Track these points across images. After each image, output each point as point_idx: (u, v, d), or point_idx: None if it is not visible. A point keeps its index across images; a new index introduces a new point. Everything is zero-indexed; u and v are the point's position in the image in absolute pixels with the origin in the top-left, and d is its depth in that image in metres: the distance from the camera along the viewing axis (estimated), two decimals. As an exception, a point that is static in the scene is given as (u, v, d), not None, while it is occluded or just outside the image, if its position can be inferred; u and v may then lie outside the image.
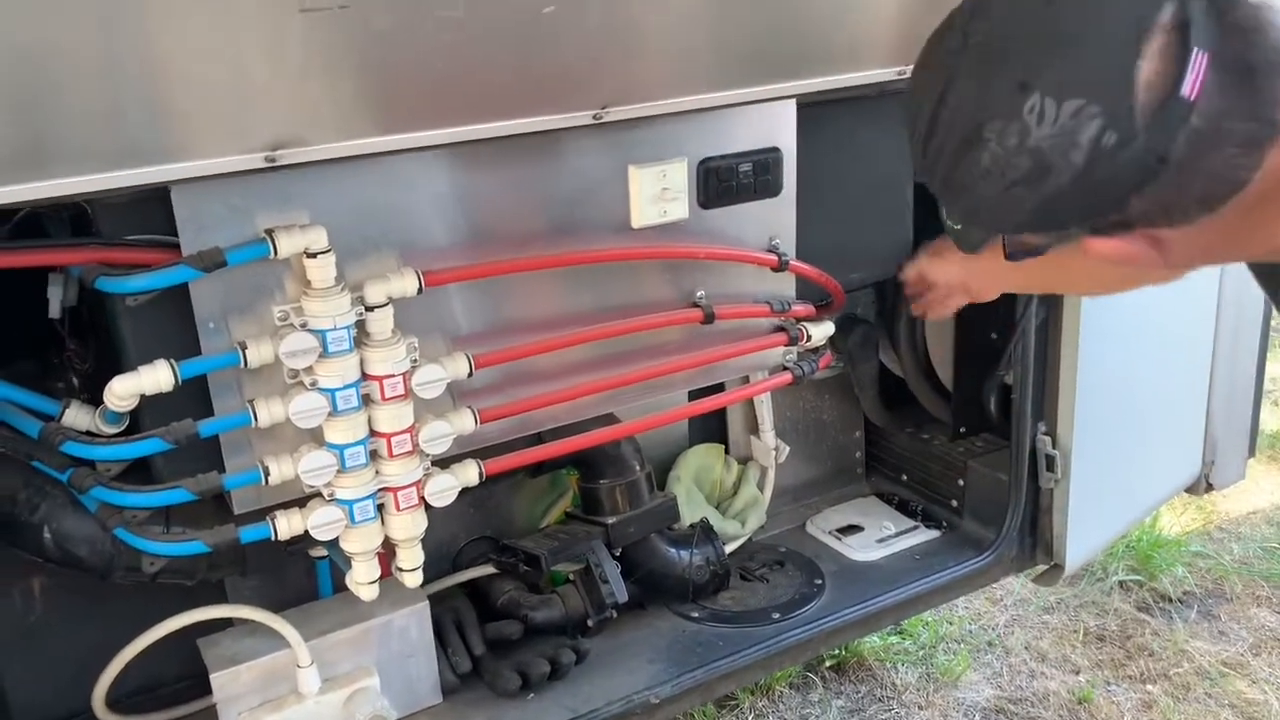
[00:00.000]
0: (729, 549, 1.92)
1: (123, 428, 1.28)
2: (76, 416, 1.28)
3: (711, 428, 2.03)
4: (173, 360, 1.20)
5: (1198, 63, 0.83)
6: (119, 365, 1.29)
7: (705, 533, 1.83)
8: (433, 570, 1.67)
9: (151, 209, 1.21)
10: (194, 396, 1.26)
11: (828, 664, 2.52)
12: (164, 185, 1.13)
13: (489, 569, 1.75)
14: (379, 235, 1.31)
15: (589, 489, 1.74)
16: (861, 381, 2.01)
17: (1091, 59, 0.85)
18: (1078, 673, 2.57)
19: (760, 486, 2.03)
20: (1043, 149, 0.85)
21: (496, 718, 1.60)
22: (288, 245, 1.21)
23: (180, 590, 1.47)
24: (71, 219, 1.27)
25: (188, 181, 1.13)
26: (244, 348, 1.23)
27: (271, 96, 1.07)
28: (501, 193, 1.37)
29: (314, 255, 1.22)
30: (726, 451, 2.04)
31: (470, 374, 1.36)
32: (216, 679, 1.46)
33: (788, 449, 2.01)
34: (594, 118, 1.26)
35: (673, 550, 1.80)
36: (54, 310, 1.33)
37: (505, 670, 1.63)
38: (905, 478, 2.16)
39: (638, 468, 1.73)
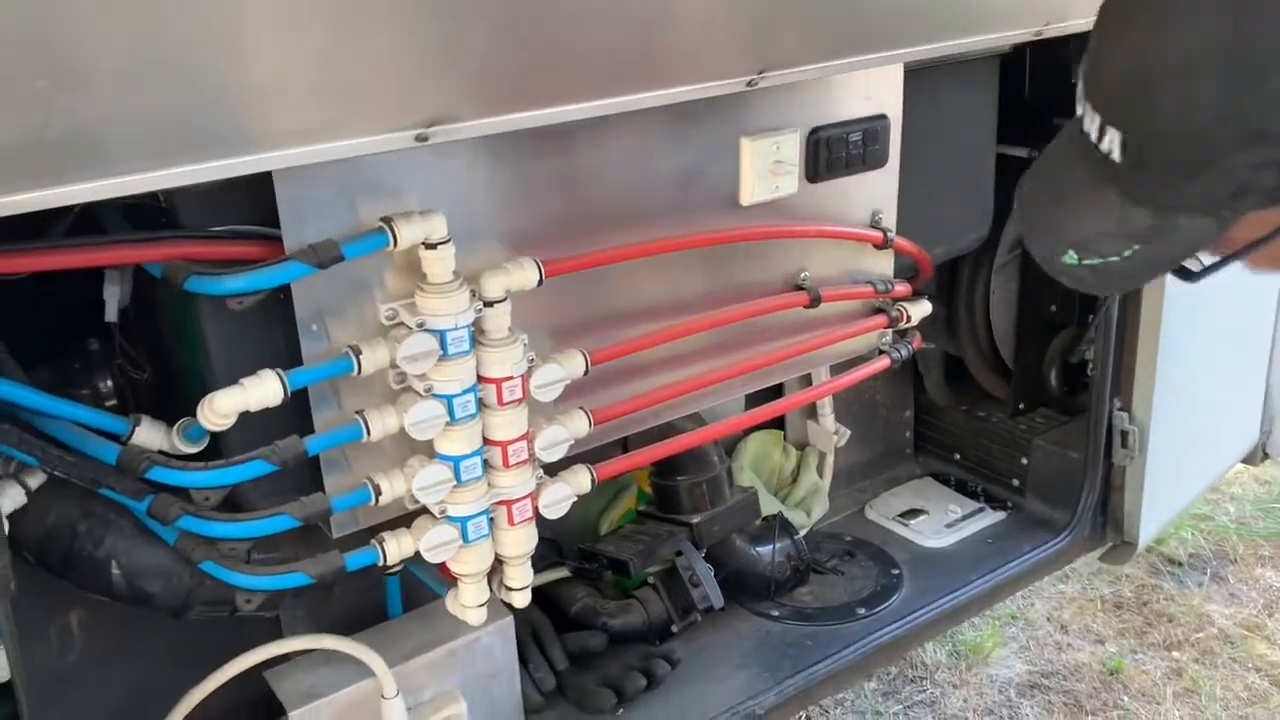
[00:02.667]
0: (797, 540, 1.83)
1: (203, 446, 1.12)
2: (149, 435, 1.11)
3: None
4: (280, 372, 1.04)
5: None
6: (193, 375, 1.13)
7: (784, 527, 1.73)
8: None
9: (238, 198, 1.05)
10: (275, 409, 1.11)
11: (883, 667, 2.46)
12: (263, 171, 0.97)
13: (558, 573, 1.62)
14: (486, 223, 1.17)
15: (667, 486, 1.62)
16: (928, 360, 1.93)
17: None
18: (1103, 642, 2.56)
19: (819, 472, 1.94)
20: None
21: (588, 736, 1.49)
22: (407, 235, 1.06)
23: (228, 621, 1.32)
24: (126, 212, 1.10)
25: (291, 168, 0.97)
26: (357, 353, 1.07)
27: (425, 71, 0.92)
28: (612, 174, 1.24)
29: (433, 246, 1.08)
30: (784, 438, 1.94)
31: (586, 372, 1.23)
32: (296, 716, 1.31)
33: (848, 433, 1.92)
34: (748, 84, 1.13)
35: (753, 547, 1.70)
36: (111, 313, 1.16)
37: (596, 686, 1.51)
38: (958, 457, 2.09)
39: (717, 462, 1.62)
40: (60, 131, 0.78)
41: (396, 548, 1.16)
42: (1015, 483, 1.99)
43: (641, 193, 1.27)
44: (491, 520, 1.22)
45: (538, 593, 1.62)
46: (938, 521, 1.93)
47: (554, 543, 1.69)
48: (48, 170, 0.78)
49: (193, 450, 1.12)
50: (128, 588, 1.17)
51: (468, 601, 1.25)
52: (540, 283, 1.16)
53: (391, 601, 1.49)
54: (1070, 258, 0.87)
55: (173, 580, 1.17)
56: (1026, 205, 0.95)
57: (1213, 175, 0.78)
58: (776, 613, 1.70)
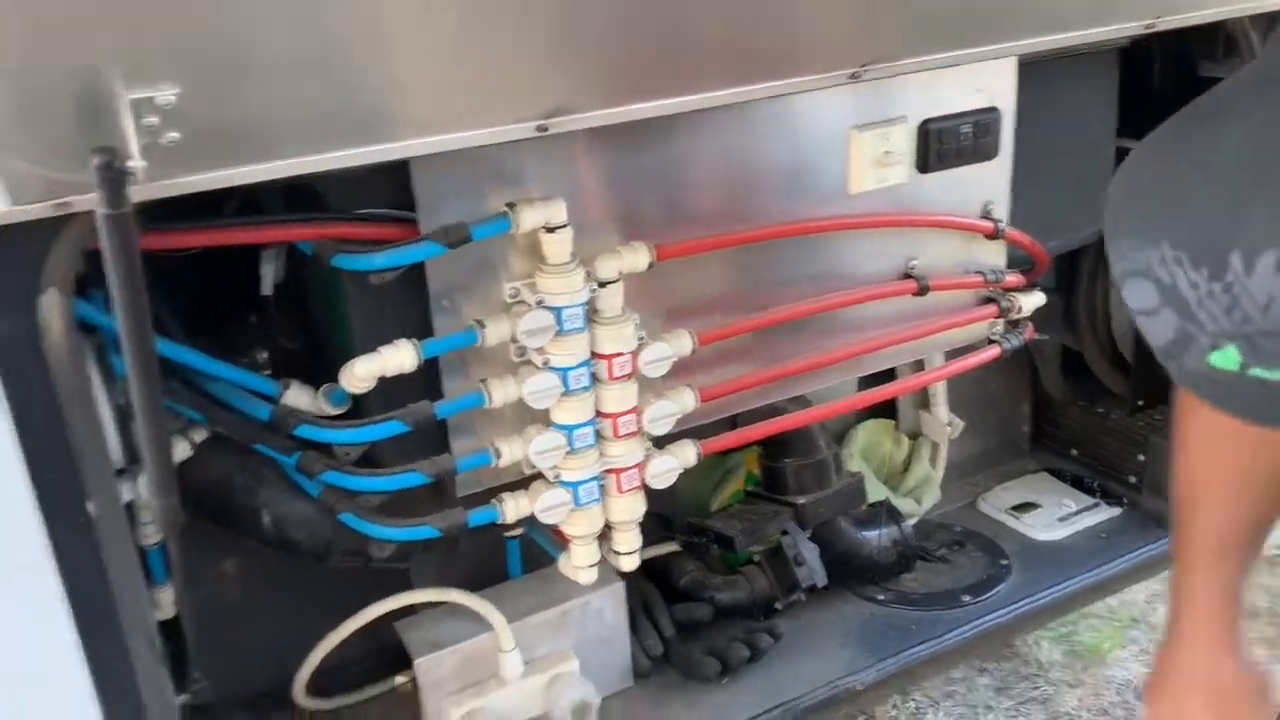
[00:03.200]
0: (905, 528, 1.85)
1: (346, 409, 1.24)
2: (298, 397, 1.24)
3: (879, 402, 1.96)
4: (414, 341, 1.15)
5: None
6: (337, 344, 1.25)
7: (890, 513, 1.76)
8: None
9: (378, 183, 1.16)
10: (409, 377, 1.21)
11: (985, 653, 2.45)
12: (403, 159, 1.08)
13: (669, 547, 1.69)
14: (602, 208, 1.25)
15: (774, 468, 1.68)
16: (1045, 353, 1.93)
17: None
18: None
19: (932, 463, 1.96)
20: None
21: (693, 702, 1.56)
22: (529, 219, 1.15)
23: (363, 573, 1.44)
24: (282, 196, 1.23)
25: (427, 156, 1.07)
26: (482, 326, 1.17)
27: (546, 65, 1.01)
28: (721, 162, 1.30)
29: (552, 230, 1.16)
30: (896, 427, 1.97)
31: (694, 351, 1.30)
32: (421, 664, 1.42)
33: (961, 424, 1.93)
34: (851, 76, 1.18)
35: (859, 531, 1.74)
36: (266, 287, 1.29)
37: (701, 656, 1.58)
38: (1075, 452, 2.08)
39: (824, 446, 1.67)
40: (236, 119, 0.89)
41: (514, 507, 1.26)
42: (1132, 480, 1.97)
43: (750, 180, 1.33)
44: (602, 487, 1.30)
45: (649, 565, 1.70)
46: (1050, 515, 1.93)
47: (665, 519, 1.76)
48: (226, 154, 0.90)
49: (336, 412, 1.24)
50: (277, 535, 1.29)
51: (579, 562, 1.34)
52: (651, 266, 1.24)
53: (512, 564, 1.59)
54: (1227, 359, 0.53)
55: (315, 529, 1.29)
56: (1128, 238, 0.57)
57: None
58: (881, 596, 1.74)
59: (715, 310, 1.35)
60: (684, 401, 1.32)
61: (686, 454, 1.35)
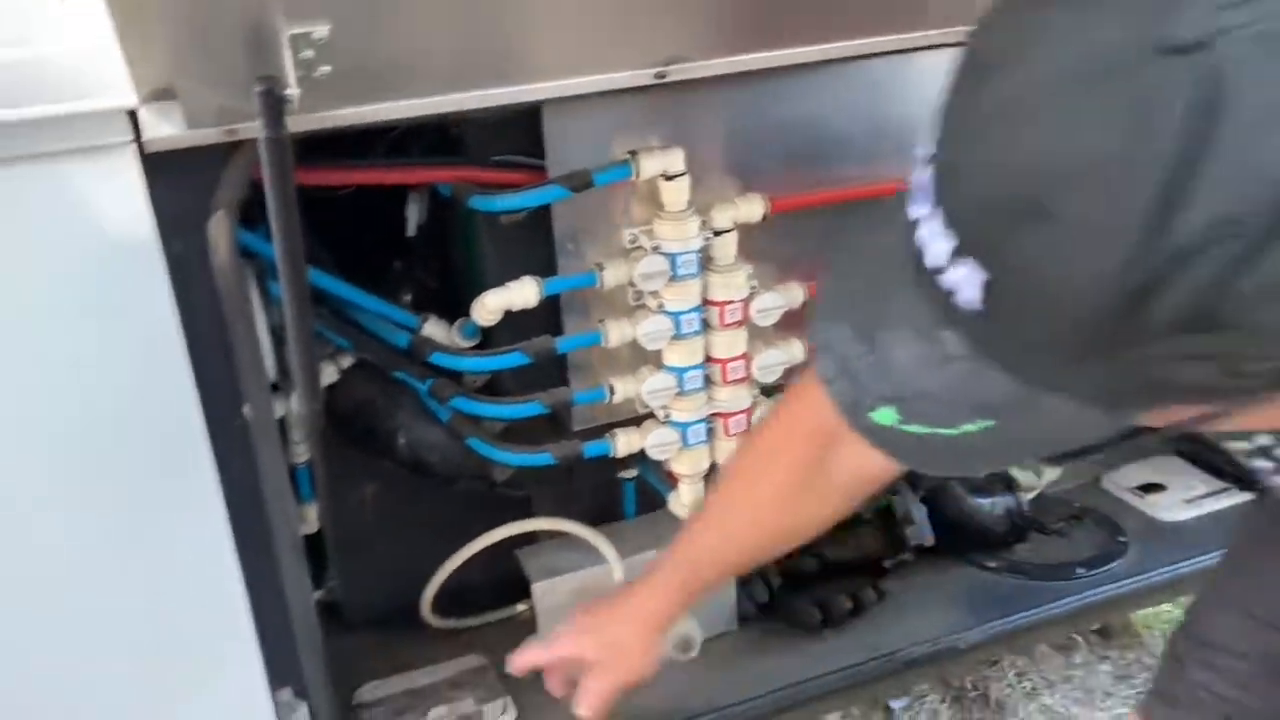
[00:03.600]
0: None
1: (477, 343, 1.34)
2: (434, 330, 1.34)
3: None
4: (538, 278, 1.23)
5: None
6: (471, 282, 1.35)
7: (1007, 483, 1.77)
8: None
9: (512, 131, 1.25)
10: (534, 316, 1.30)
11: (1093, 626, 2.42)
12: (536, 104, 1.17)
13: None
14: (719, 159, 1.31)
15: (889, 429, 1.70)
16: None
17: None
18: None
19: (1054, 438, 1.94)
20: None
21: (794, 649, 1.61)
22: (649, 167, 1.22)
23: (490, 503, 1.54)
24: (428, 141, 1.33)
25: (559, 101, 1.15)
26: (601, 268, 1.25)
27: (665, 10, 1.08)
28: (841, 115, 1.34)
29: (670, 178, 1.23)
30: (1019, 400, 1.96)
31: (805, 303, 1.35)
32: (537, 589, 1.51)
33: (1087, 400, 1.91)
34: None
35: (973, 498, 1.75)
36: (411, 228, 1.40)
37: (805, 605, 1.63)
38: (1210, 435, 2.02)
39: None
40: (382, 57, 0.99)
41: (626, 442, 1.34)
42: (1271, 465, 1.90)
43: (870, 134, 1.36)
44: (710, 430, 1.36)
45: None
46: (1176, 497, 1.89)
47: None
48: (372, 90, 1.00)
49: (467, 345, 1.34)
50: (411, 457, 1.41)
51: (686, 501, 1.41)
52: (765, 217, 1.29)
53: (627, 505, 1.67)
54: (884, 416, 0.61)
55: (445, 453, 1.40)
56: (820, 319, 0.68)
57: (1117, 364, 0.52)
58: (992, 564, 1.75)
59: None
60: (793, 352, 1.37)
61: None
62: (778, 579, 1.67)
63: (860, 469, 1.04)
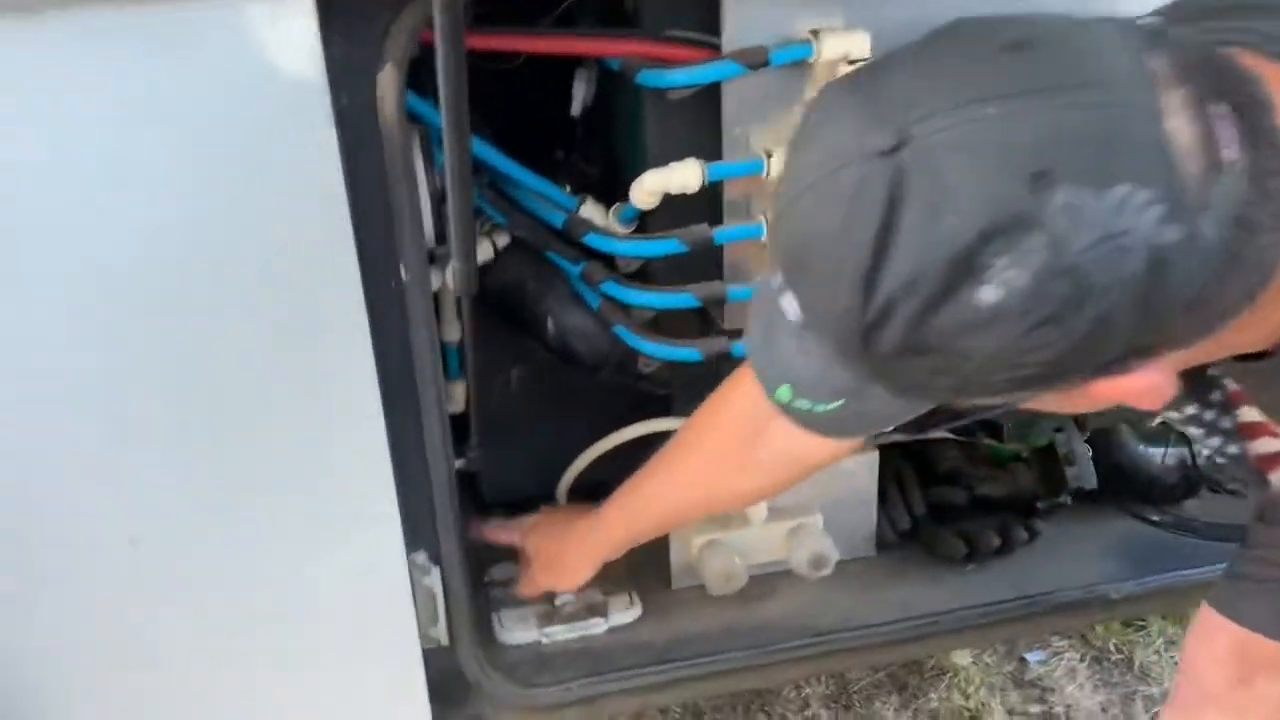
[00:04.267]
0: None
1: (634, 228, 1.30)
2: (591, 211, 1.31)
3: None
4: (702, 161, 1.18)
5: (1220, 115, 0.62)
6: (633, 165, 1.30)
7: (1182, 434, 1.64)
8: None
9: (687, 3, 1.19)
10: (693, 206, 1.25)
11: None
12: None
13: (935, 432, 1.66)
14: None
15: (1058, 364, 1.60)
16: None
17: (1111, 125, 0.61)
18: None
19: (1241, 393, 1.79)
20: (1083, 265, 0.60)
21: (934, 580, 1.55)
22: (831, 49, 1.14)
23: (634, 398, 1.51)
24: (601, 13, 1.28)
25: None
26: (769, 156, 1.19)
27: None
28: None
29: (854, 63, 1.15)
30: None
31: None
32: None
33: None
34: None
35: (1143, 446, 1.64)
36: (576, 107, 1.36)
37: (949, 536, 1.56)
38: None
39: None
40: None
41: (778, 344, 1.28)
42: None
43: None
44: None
45: (908, 448, 1.69)
46: (1375, 469, 1.72)
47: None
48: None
49: (624, 230, 1.30)
50: (559, 342, 1.39)
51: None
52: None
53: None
54: (783, 394, 0.77)
55: (592, 341, 1.38)
56: (751, 318, 0.83)
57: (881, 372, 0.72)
58: (1156, 517, 1.64)
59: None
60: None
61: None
62: (922, 508, 1.61)
63: (785, 450, 1.17)
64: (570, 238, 1.27)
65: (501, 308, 1.43)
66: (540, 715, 1.38)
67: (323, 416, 1.12)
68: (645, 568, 1.55)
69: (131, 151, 0.98)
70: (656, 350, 1.30)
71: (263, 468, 1.12)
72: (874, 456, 1.54)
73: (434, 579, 1.25)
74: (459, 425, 1.55)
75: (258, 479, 1.12)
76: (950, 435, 1.63)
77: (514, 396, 1.65)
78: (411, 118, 1.15)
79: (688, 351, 1.29)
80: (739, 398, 1.18)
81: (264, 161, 1.02)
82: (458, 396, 1.62)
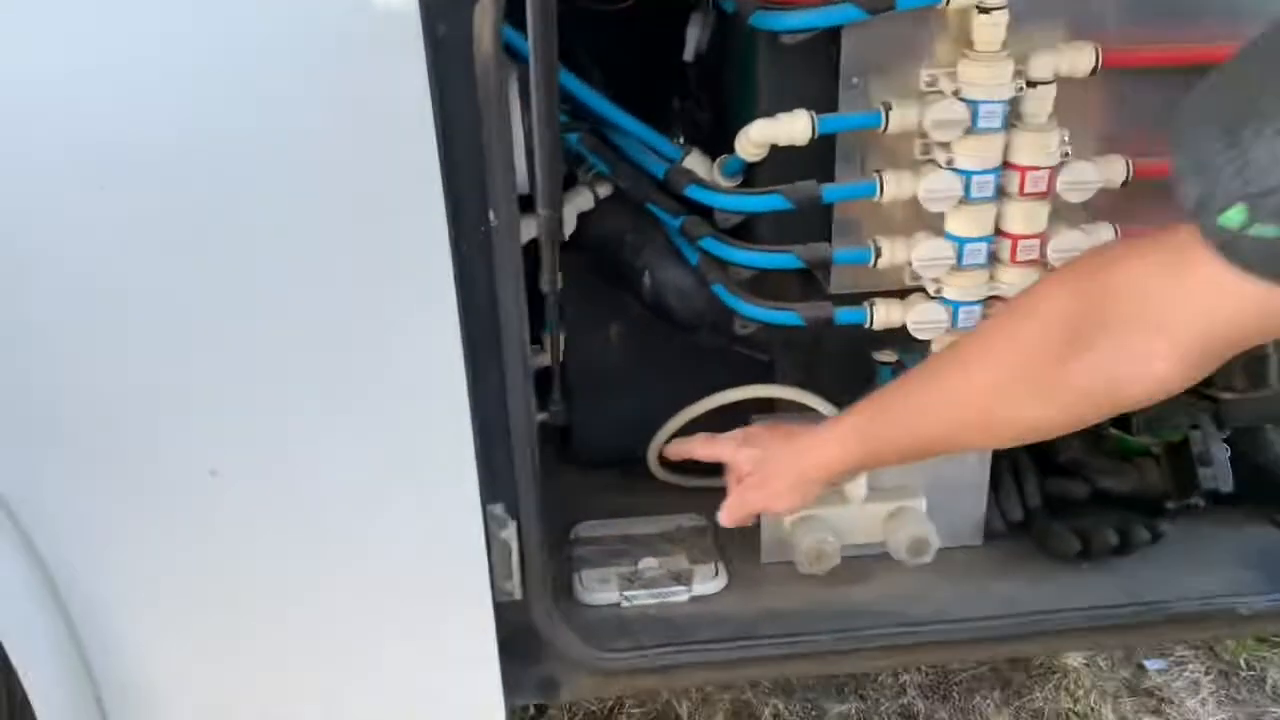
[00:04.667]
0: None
1: (739, 182, 1.23)
2: (697, 163, 1.25)
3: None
4: (813, 113, 1.11)
5: None
6: (743, 115, 1.23)
7: (1337, 437, 1.49)
8: None
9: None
10: (805, 161, 1.17)
11: None
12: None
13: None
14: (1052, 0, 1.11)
15: (1201, 354, 1.46)
16: None
17: None
18: None
19: None
20: None
21: (1042, 577, 1.44)
22: (962, -6, 1.05)
23: (734, 363, 1.45)
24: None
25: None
26: (888, 109, 1.10)
27: None
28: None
29: (987, 11, 1.05)
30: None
31: (1126, 183, 1.15)
32: (767, 458, 1.42)
33: None
34: None
35: (1291, 448, 1.49)
36: (689, 53, 1.30)
37: (1063, 530, 1.45)
38: None
39: (1271, 346, 1.43)
40: None
41: (885, 313, 1.20)
42: None
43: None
44: (985, 315, 1.20)
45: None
46: None
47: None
48: None
49: (729, 184, 1.24)
50: (654, 298, 1.34)
51: (945, 390, 1.26)
52: (1095, 72, 1.09)
53: (879, 391, 1.54)
54: (1235, 215, 0.66)
55: (689, 298, 1.32)
56: (1185, 124, 0.73)
57: None
58: (1301, 528, 1.49)
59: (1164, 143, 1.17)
60: (1099, 237, 1.17)
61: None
62: (1037, 498, 1.50)
63: (1109, 378, 0.87)
64: (671, 189, 1.21)
65: (600, 260, 1.38)
66: (613, 680, 1.34)
67: (401, 360, 1.09)
68: (735, 539, 1.50)
69: (220, 67, 0.96)
70: (753, 312, 1.23)
71: (340, 407, 1.10)
72: (986, 440, 1.44)
73: (510, 532, 1.22)
74: (545, 376, 1.53)
75: (335, 418, 1.11)
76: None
77: (613, 353, 1.61)
78: (510, 54, 1.11)
79: (788, 315, 1.22)
80: (1058, 300, 0.90)
81: (353, 90, 0.98)
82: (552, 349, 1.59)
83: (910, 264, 1.17)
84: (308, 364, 1.08)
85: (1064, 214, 1.17)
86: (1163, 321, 0.80)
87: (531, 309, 1.56)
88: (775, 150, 1.14)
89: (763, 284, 1.29)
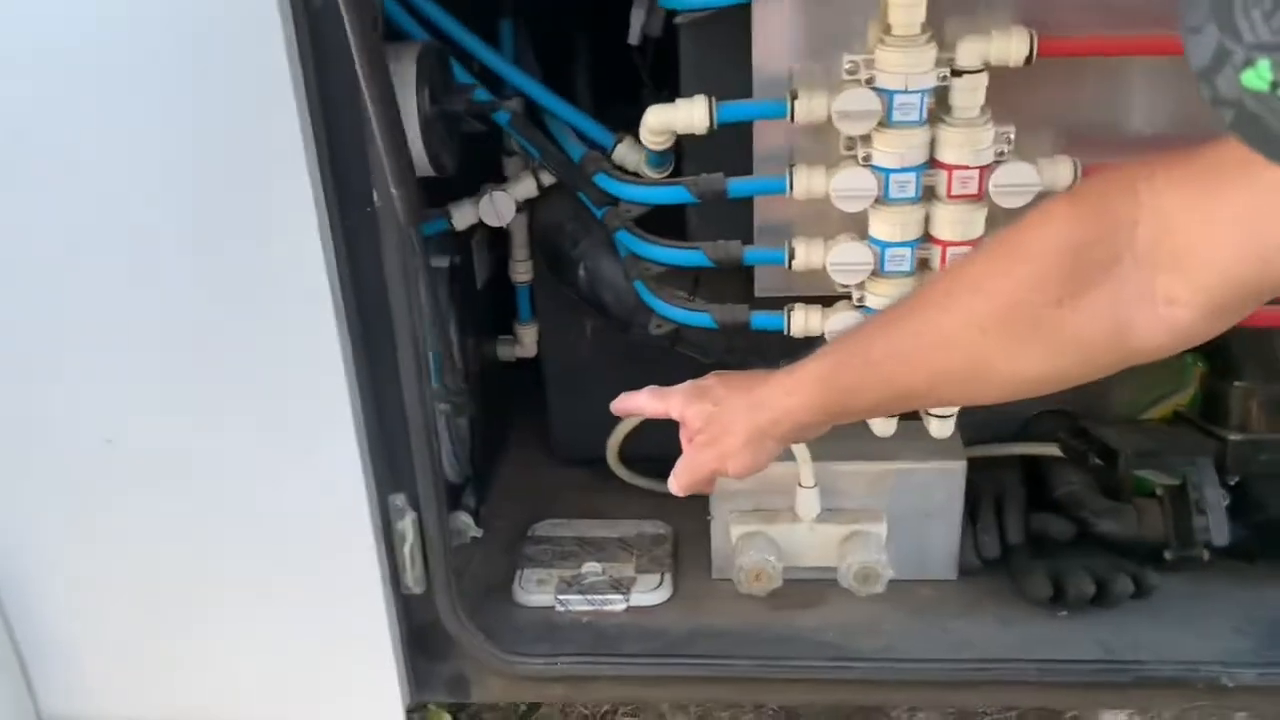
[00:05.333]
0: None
1: (665, 173, 1.16)
2: (626, 154, 1.19)
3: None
4: (713, 99, 1.03)
5: None
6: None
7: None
8: (989, 431, 1.39)
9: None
10: (731, 156, 1.10)
11: None
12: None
13: (1053, 449, 1.41)
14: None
15: (1216, 389, 1.30)
16: None
17: None
18: None
19: None
20: None
21: (1012, 622, 1.31)
22: (872, -28, 0.95)
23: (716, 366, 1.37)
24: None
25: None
26: (793, 97, 1.01)
27: None
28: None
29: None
30: None
31: (1070, 186, 1.02)
32: (715, 469, 1.35)
33: None
34: None
35: (1317, 502, 1.31)
36: (633, 36, 1.23)
37: (1038, 572, 1.31)
38: None
39: (1294, 378, 1.25)
40: None
41: (803, 320, 1.11)
42: None
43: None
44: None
45: (1030, 463, 1.44)
46: None
47: (1071, 416, 1.47)
48: None
49: (654, 175, 1.17)
50: (589, 290, 1.28)
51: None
52: (1030, 60, 0.97)
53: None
54: (1260, 74, 0.52)
55: (621, 294, 1.26)
56: None
57: None
58: (1322, 594, 1.30)
59: (1115, 143, 1.04)
60: (1045, 249, 1.04)
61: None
62: (1019, 534, 1.37)
63: (1115, 323, 0.73)
64: (584, 176, 1.16)
65: (544, 250, 1.34)
66: (523, 685, 1.29)
67: (279, 342, 1.07)
68: (694, 549, 1.43)
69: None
70: (666, 309, 1.16)
71: (226, 378, 1.10)
72: (957, 470, 1.32)
73: (407, 523, 1.18)
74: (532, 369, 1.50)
75: (221, 388, 1.10)
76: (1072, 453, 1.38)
77: (587, 349, 1.55)
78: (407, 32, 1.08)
79: (701, 316, 1.14)
80: (1057, 229, 0.75)
81: (217, 60, 0.97)
82: (527, 341, 1.56)
83: (826, 267, 1.07)
84: (193, 334, 1.08)
85: (1007, 220, 1.05)
86: (1184, 255, 0.67)
87: (505, 300, 1.55)
88: (695, 140, 1.06)
89: (707, 285, 1.21)
